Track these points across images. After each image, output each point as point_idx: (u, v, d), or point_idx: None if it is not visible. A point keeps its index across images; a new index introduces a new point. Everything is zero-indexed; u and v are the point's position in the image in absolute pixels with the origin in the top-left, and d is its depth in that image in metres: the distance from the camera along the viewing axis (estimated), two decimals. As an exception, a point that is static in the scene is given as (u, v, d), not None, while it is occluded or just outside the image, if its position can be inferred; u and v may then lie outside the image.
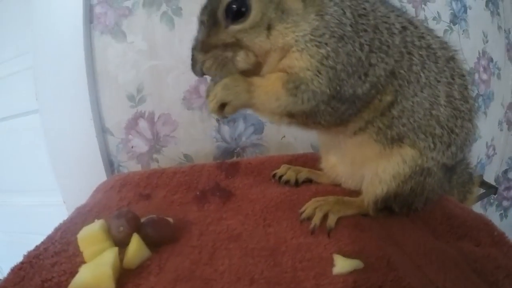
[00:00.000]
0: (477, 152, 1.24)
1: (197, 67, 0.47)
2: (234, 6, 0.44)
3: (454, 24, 1.09)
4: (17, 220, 1.25)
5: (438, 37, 0.55)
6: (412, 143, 0.50)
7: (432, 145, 0.50)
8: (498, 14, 1.22)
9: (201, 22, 0.47)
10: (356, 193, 0.57)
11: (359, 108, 0.48)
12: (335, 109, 0.47)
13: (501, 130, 1.31)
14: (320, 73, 0.45)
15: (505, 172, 1.36)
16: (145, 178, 0.69)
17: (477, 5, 1.15)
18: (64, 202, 0.99)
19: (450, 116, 0.51)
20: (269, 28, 0.45)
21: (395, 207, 0.53)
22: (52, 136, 0.93)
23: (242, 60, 0.47)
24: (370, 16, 0.47)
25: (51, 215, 1.10)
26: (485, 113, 1.22)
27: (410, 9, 0.99)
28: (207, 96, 0.48)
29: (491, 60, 1.21)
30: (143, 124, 0.87)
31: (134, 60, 0.84)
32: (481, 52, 1.17)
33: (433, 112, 0.50)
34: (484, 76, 1.19)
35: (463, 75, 0.54)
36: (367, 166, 0.53)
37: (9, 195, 1.25)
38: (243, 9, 0.44)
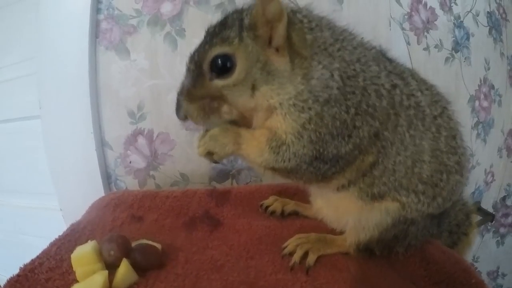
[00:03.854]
0: (475, 179, 1.28)
1: (180, 113, 0.52)
2: (219, 61, 0.48)
3: (456, 51, 1.13)
4: (11, 220, 1.33)
5: (431, 88, 0.58)
6: (393, 198, 0.54)
7: (415, 200, 0.54)
8: (501, 40, 1.26)
9: (188, 69, 0.51)
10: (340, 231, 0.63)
11: (341, 167, 0.51)
12: (317, 168, 0.51)
13: (501, 157, 1.36)
14: (301, 136, 0.48)
15: (503, 199, 1.41)
16: (139, 200, 0.76)
17: (480, 32, 1.19)
18: (61, 209, 1.07)
19: (435, 171, 0.54)
20: (253, 88, 0.48)
21: (377, 250, 0.58)
22: (52, 144, 1.00)
23: (225, 113, 0.51)
24: (360, 78, 0.49)
25: (45, 218, 1.19)
26: (484, 140, 1.26)
27: (412, 37, 1.03)
28: (198, 144, 0.53)
29: (492, 87, 1.26)
30: (142, 141, 0.94)
31: (135, 77, 0.91)
32: (482, 79, 1.22)
33: (415, 170, 0.53)
34: (485, 103, 1.24)
35: (451, 128, 0.56)
36: (350, 215, 0.58)
37: (5, 195, 1.33)
38: (228, 65, 0.48)
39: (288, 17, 0.47)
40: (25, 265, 0.59)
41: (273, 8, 0.45)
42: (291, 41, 0.48)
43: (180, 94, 0.52)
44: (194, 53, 0.51)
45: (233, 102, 0.50)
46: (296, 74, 0.48)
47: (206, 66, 0.49)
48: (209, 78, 0.50)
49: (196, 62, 0.50)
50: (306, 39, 0.49)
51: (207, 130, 0.53)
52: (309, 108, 0.48)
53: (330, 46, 0.49)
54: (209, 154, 0.53)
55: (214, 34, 0.49)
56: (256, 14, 0.47)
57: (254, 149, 0.52)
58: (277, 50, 0.48)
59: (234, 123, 0.54)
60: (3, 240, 1.39)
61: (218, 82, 0.49)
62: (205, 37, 0.51)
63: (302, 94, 0.48)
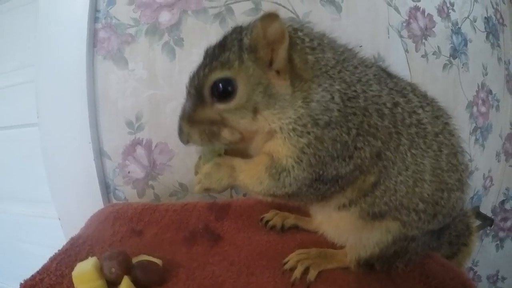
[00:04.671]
0: (474, 184, 1.28)
1: (182, 137, 0.51)
2: (220, 86, 0.47)
3: (454, 58, 1.13)
4: (9, 227, 1.32)
5: (431, 103, 0.57)
6: (394, 217, 0.53)
7: (416, 218, 0.53)
8: (499, 46, 1.27)
9: (188, 93, 0.51)
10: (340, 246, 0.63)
11: (341, 186, 0.51)
12: (317, 189, 0.50)
13: (499, 161, 1.36)
14: (301, 160, 0.48)
15: (502, 203, 1.42)
16: (138, 213, 0.76)
17: (477, 38, 1.19)
18: (59, 218, 1.07)
19: (436, 190, 0.53)
20: (255, 111, 0.48)
21: (377, 265, 0.58)
22: (50, 154, 1.00)
23: (227, 136, 0.50)
24: (361, 99, 0.48)
25: (43, 226, 1.18)
26: (482, 145, 1.27)
27: (410, 45, 1.04)
28: (195, 173, 0.54)
29: (490, 92, 1.26)
30: (140, 151, 0.93)
31: (134, 87, 0.91)
32: (480, 84, 1.22)
33: (416, 189, 0.52)
34: (483, 109, 1.24)
35: (453, 144, 0.56)
36: (351, 233, 0.57)
37: (3, 203, 1.33)
38: (229, 89, 0.47)
39: (289, 37, 0.46)
40: (25, 281, 0.59)
41: (274, 30, 0.44)
42: (293, 63, 0.47)
43: (182, 118, 0.51)
44: (194, 76, 0.50)
45: (235, 125, 0.49)
46: (296, 98, 0.47)
47: (206, 91, 0.48)
48: (210, 103, 0.49)
49: (196, 86, 0.49)
50: (307, 60, 0.48)
51: (200, 158, 0.54)
52: (308, 133, 0.47)
53: (331, 68, 0.48)
54: (207, 190, 0.53)
55: (214, 56, 0.48)
56: (256, 36, 0.46)
57: (252, 178, 0.51)
58: (277, 72, 0.47)
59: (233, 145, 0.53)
60: (1, 248, 1.38)
61: (219, 106, 0.48)
62: (204, 58, 0.50)
63: (301, 118, 0.47)
